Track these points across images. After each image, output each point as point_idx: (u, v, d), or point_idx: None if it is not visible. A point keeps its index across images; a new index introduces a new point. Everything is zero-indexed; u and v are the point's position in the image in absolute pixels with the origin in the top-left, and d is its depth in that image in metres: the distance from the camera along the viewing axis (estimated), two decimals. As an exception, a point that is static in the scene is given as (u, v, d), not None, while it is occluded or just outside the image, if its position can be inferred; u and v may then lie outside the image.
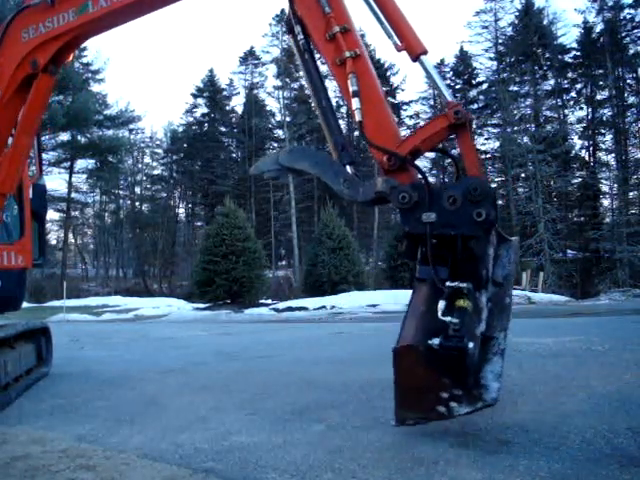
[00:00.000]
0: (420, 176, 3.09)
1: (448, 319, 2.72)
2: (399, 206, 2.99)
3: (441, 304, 2.77)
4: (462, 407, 2.89)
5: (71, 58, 4.30)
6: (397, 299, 21.13)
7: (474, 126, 46.97)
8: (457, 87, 47.75)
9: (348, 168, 3.21)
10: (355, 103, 3.09)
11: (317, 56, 3.48)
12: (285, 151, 3.43)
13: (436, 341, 2.73)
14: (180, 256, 50.38)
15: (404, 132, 3.30)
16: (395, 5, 3.20)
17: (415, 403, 3.01)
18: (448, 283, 2.81)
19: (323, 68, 3.82)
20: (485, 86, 46.29)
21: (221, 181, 48.00)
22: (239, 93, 52.93)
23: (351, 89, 3.10)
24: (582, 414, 3.76)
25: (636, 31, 38.75)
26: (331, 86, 8.08)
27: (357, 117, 3.10)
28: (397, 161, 3.02)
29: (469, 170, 2.99)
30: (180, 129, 53.53)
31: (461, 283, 2.79)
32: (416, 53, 3.11)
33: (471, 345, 2.71)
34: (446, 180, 42.36)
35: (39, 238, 6.09)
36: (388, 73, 47.15)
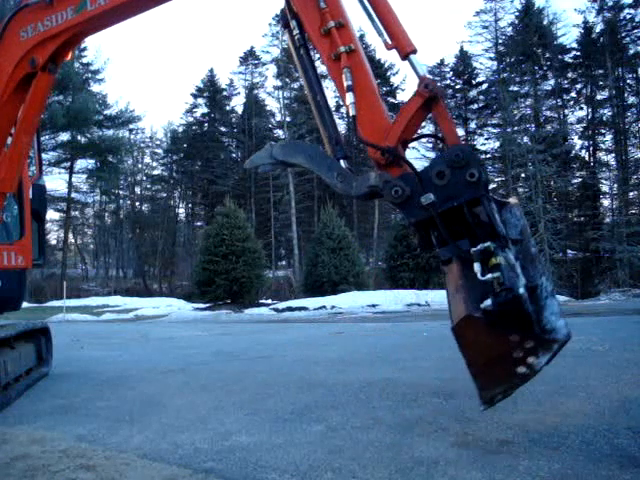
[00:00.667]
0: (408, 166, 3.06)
1: (489, 276, 2.70)
2: (392, 201, 2.98)
3: (476, 267, 2.75)
4: (541, 357, 2.79)
5: (70, 57, 4.30)
6: (397, 299, 21.16)
7: (473, 126, 47.15)
8: (457, 87, 47.78)
9: (342, 162, 3.21)
10: (349, 98, 3.09)
11: (317, 56, 3.47)
12: (279, 145, 3.40)
13: (488, 302, 2.69)
14: (180, 256, 50.41)
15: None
16: (387, 3, 3.20)
17: (495, 376, 2.89)
18: (473, 249, 2.80)
19: (323, 68, 3.82)
20: (485, 86, 46.30)
21: (221, 181, 47.99)
22: (239, 93, 53.00)
23: (345, 84, 3.10)
24: (582, 414, 3.76)
25: (636, 31, 38.79)
26: (331, 85, 8.11)
27: (351, 112, 3.10)
28: (390, 155, 3.02)
29: (448, 140, 2.98)
30: (180, 129, 53.57)
31: (484, 244, 2.77)
32: (405, 52, 3.11)
33: (522, 290, 2.69)
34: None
35: (39, 238, 6.09)
36: (388, 73, 47.16)
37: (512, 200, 3.36)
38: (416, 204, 2.92)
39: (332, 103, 3.54)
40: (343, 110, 32.99)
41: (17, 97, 4.04)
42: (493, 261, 2.74)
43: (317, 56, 3.46)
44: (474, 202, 2.86)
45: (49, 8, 3.78)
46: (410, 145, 3.37)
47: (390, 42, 3.15)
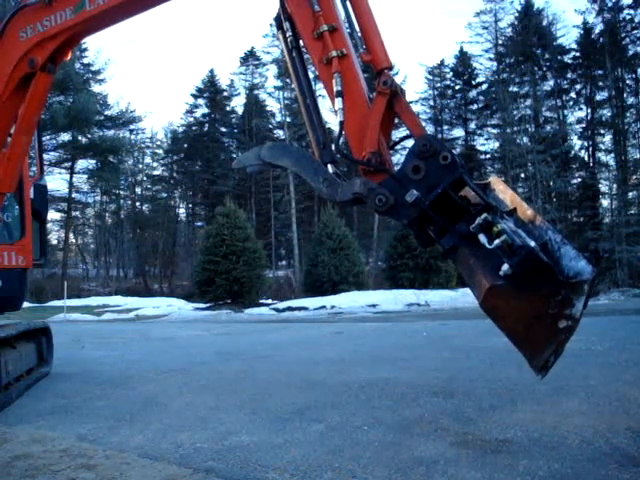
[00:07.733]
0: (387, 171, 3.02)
1: (497, 242, 2.66)
2: (376, 209, 2.95)
3: (482, 238, 2.72)
4: (577, 303, 2.68)
5: (69, 56, 4.30)
6: (397, 299, 21.14)
7: (473, 126, 47.14)
8: (457, 87, 47.80)
9: (329, 167, 3.20)
10: (338, 103, 3.09)
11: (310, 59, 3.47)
12: (267, 146, 3.40)
13: (505, 266, 2.63)
14: (180, 256, 50.38)
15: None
16: (371, 16, 3.19)
17: (539, 339, 2.79)
18: (472, 225, 2.76)
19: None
20: (485, 86, 46.28)
21: (221, 181, 47.98)
22: (239, 94, 52.92)
23: (335, 89, 3.09)
24: (582, 414, 3.77)
25: (635, 32, 38.75)
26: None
27: (339, 117, 3.09)
28: (377, 160, 3.00)
29: (414, 133, 2.97)
30: (180, 129, 53.53)
31: (481, 216, 2.73)
32: (381, 67, 3.10)
33: (533, 243, 2.65)
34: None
35: (40, 238, 6.10)
36: (388, 74, 47.07)
37: (491, 179, 3.34)
38: (403, 205, 2.90)
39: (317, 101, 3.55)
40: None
41: (16, 97, 4.04)
42: (496, 229, 2.70)
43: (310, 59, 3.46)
44: (457, 184, 2.84)
45: (48, 8, 3.79)
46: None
47: (367, 55, 3.13)
